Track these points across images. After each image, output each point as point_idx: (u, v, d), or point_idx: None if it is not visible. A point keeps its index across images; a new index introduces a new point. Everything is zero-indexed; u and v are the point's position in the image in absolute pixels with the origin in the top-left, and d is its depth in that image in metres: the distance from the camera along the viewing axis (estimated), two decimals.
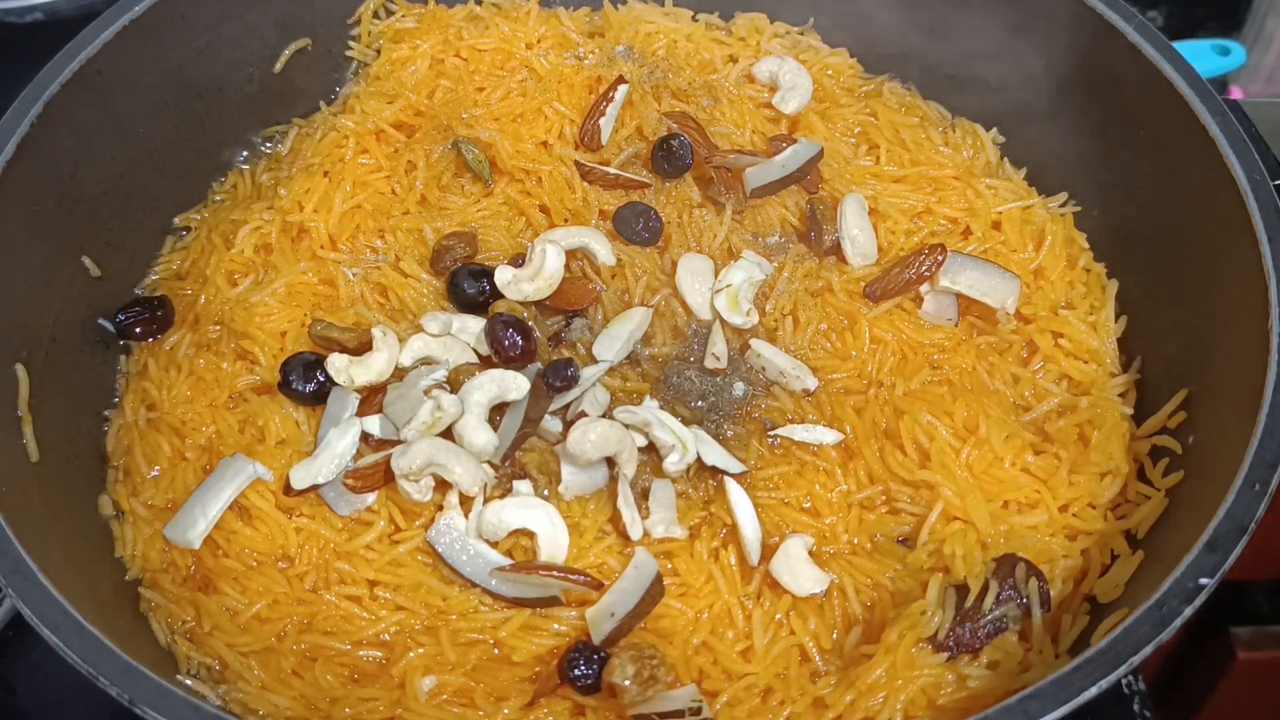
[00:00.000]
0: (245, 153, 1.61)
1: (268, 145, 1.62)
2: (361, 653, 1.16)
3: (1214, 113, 1.29)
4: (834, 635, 1.17)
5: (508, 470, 1.25)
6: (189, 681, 1.15)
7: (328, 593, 1.19)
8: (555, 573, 1.15)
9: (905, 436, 1.27)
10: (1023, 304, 1.40)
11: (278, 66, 1.61)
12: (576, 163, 1.50)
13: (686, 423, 1.29)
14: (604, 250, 1.41)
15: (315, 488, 1.23)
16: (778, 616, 1.17)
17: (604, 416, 1.28)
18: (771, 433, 1.31)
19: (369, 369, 1.29)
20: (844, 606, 1.19)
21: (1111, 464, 1.26)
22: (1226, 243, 1.24)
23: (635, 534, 1.21)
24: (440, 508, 1.23)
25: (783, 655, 1.15)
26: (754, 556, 1.20)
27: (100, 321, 1.39)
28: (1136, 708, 1.27)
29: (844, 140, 1.60)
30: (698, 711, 1.07)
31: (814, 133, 1.58)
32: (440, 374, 1.28)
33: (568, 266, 1.39)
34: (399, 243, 1.45)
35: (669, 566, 1.21)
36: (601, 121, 1.51)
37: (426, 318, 1.35)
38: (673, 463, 1.24)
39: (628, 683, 1.05)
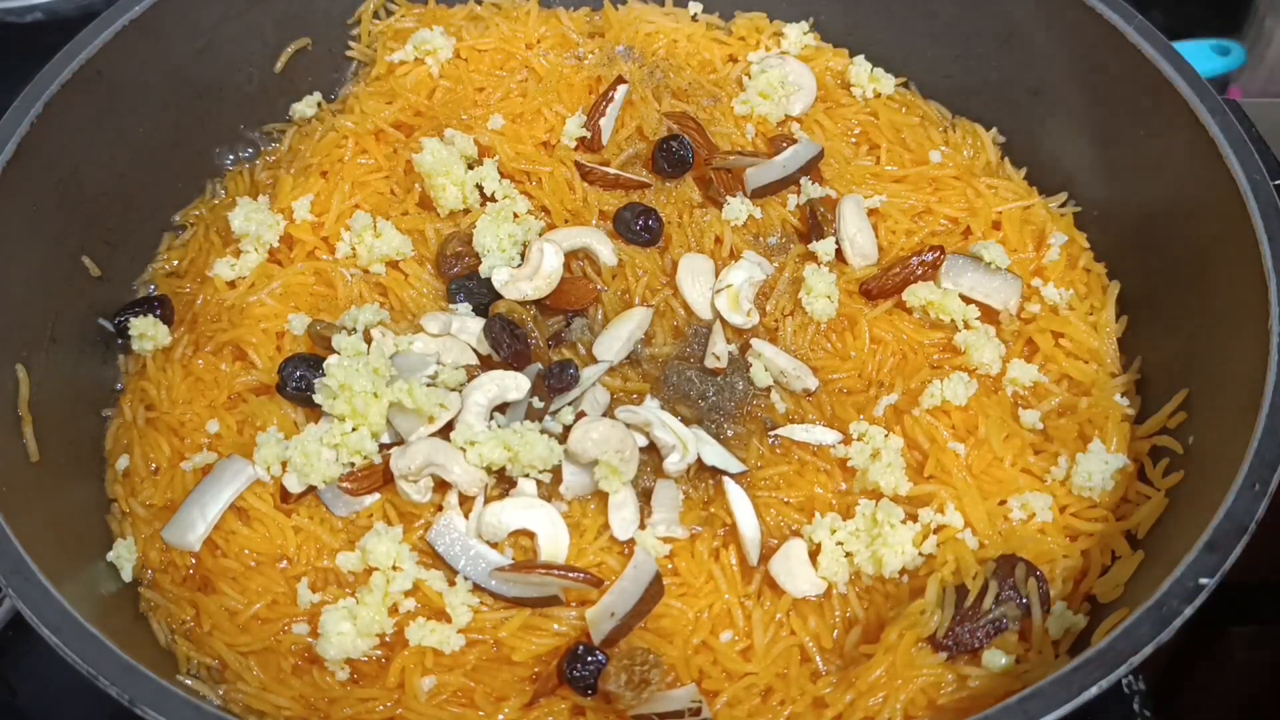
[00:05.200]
0: (245, 152, 1.61)
1: (267, 145, 1.62)
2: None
3: (1214, 112, 1.29)
4: (834, 635, 1.17)
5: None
6: (189, 681, 1.15)
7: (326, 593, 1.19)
8: (555, 571, 1.15)
9: (905, 436, 1.27)
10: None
11: (278, 66, 1.61)
12: (576, 163, 1.50)
13: (687, 422, 1.29)
14: (605, 250, 1.41)
15: (313, 489, 1.23)
16: (778, 616, 1.17)
17: (604, 416, 1.28)
18: (771, 433, 1.31)
19: None
20: (844, 606, 1.19)
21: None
22: (1226, 243, 1.24)
23: (622, 534, 1.21)
24: (439, 508, 1.23)
25: (783, 655, 1.15)
26: (754, 556, 1.20)
27: (100, 321, 1.39)
28: (1136, 708, 1.27)
29: (844, 140, 1.60)
30: (697, 712, 1.07)
31: (814, 133, 1.58)
32: (431, 368, 1.27)
33: (568, 266, 1.39)
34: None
35: (669, 566, 1.21)
36: (602, 122, 1.51)
37: (426, 318, 1.35)
38: (673, 463, 1.24)
39: (620, 689, 1.06)
